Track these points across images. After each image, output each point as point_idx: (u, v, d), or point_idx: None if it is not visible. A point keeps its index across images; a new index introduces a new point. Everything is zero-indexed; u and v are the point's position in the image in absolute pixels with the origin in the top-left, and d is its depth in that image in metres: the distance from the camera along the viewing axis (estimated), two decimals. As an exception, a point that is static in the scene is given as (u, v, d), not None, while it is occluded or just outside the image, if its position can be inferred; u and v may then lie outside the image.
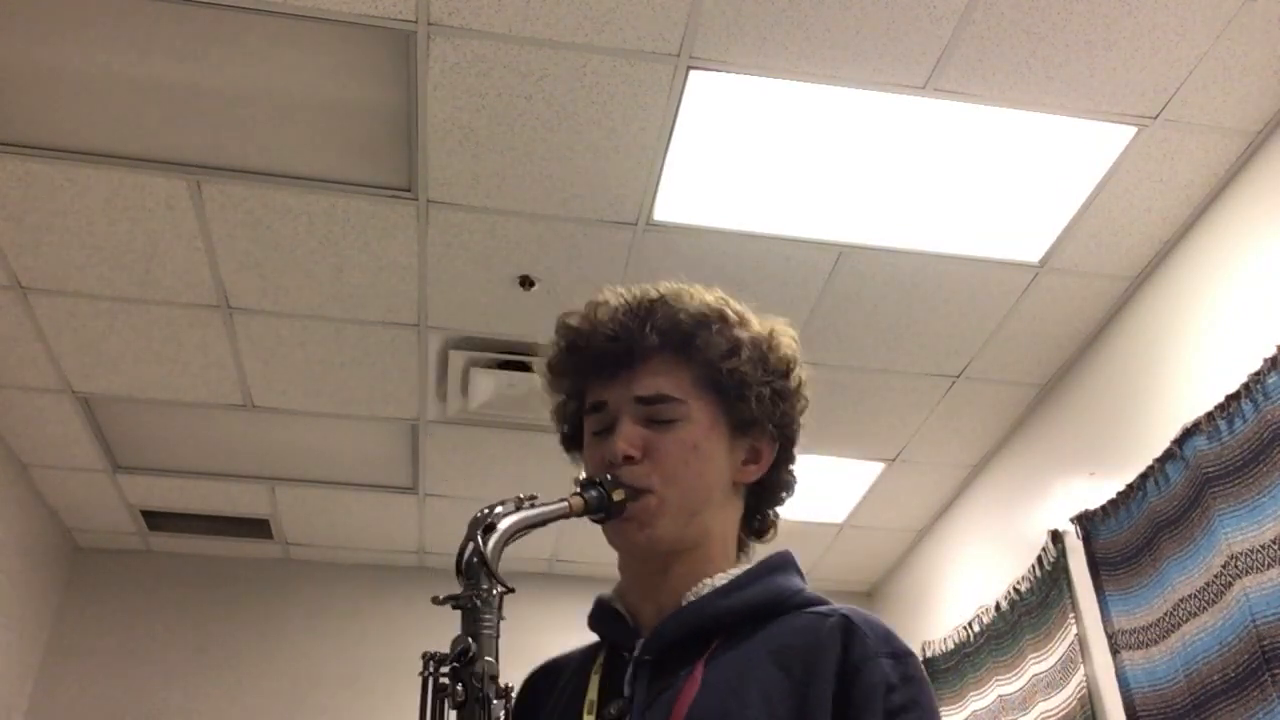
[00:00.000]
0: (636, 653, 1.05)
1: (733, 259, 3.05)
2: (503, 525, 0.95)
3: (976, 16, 2.38)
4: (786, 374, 1.14)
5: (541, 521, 0.98)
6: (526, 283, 3.14)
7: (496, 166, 2.76)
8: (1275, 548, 2.41)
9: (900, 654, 1.02)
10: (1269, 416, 2.46)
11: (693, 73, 2.50)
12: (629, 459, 1.05)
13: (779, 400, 1.12)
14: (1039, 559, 3.49)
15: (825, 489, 4.21)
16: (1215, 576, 2.59)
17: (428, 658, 0.91)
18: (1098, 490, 3.21)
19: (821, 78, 2.52)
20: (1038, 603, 3.48)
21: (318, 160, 2.76)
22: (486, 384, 3.46)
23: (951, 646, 4.08)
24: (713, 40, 2.42)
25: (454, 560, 0.95)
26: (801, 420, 1.17)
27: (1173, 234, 2.99)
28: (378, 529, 4.53)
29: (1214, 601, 2.59)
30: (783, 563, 1.15)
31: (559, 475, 1.26)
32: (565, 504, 1.00)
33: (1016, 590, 3.62)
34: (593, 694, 1.06)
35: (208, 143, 2.70)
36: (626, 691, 1.03)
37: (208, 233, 2.96)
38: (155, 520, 4.42)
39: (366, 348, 3.42)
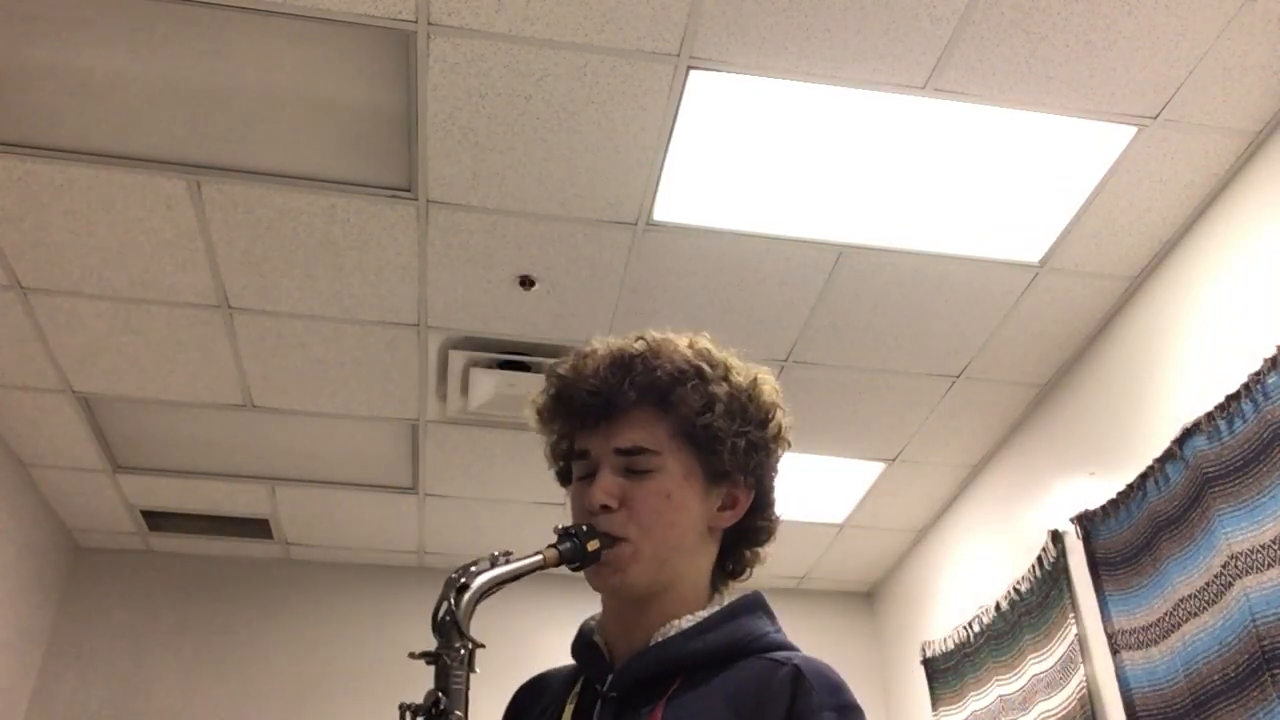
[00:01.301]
0: (605, 688, 1.13)
1: (733, 259, 3.06)
2: (475, 584, 1.01)
3: (976, 16, 2.38)
4: (764, 423, 1.19)
5: (516, 576, 1.04)
6: (526, 283, 3.14)
7: (496, 166, 2.76)
8: (1275, 548, 2.41)
9: (845, 708, 1.06)
10: (1269, 416, 2.46)
11: (693, 73, 2.50)
12: (606, 508, 1.12)
13: (753, 451, 1.18)
14: (1039, 559, 3.49)
15: (825, 489, 4.21)
16: (1215, 576, 2.59)
17: (404, 709, 0.98)
18: (1098, 490, 3.21)
19: (821, 78, 2.52)
20: (1038, 603, 3.48)
21: (318, 160, 2.76)
22: (486, 384, 3.46)
23: (951, 646, 4.08)
24: (713, 40, 2.42)
25: (443, 586, 1.02)
26: (779, 466, 1.23)
27: (1173, 234, 2.99)
28: (378, 529, 4.53)
29: (1214, 601, 2.59)
30: (750, 606, 1.19)
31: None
32: (540, 557, 1.06)
33: (1016, 590, 3.62)
34: None
35: (208, 143, 2.70)
36: None
37: (208, 233, 2.96)
38: (155, 520, 4.42)
39: (366, 348, 3.42)
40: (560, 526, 1.11)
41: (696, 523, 1.16)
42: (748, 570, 1.24)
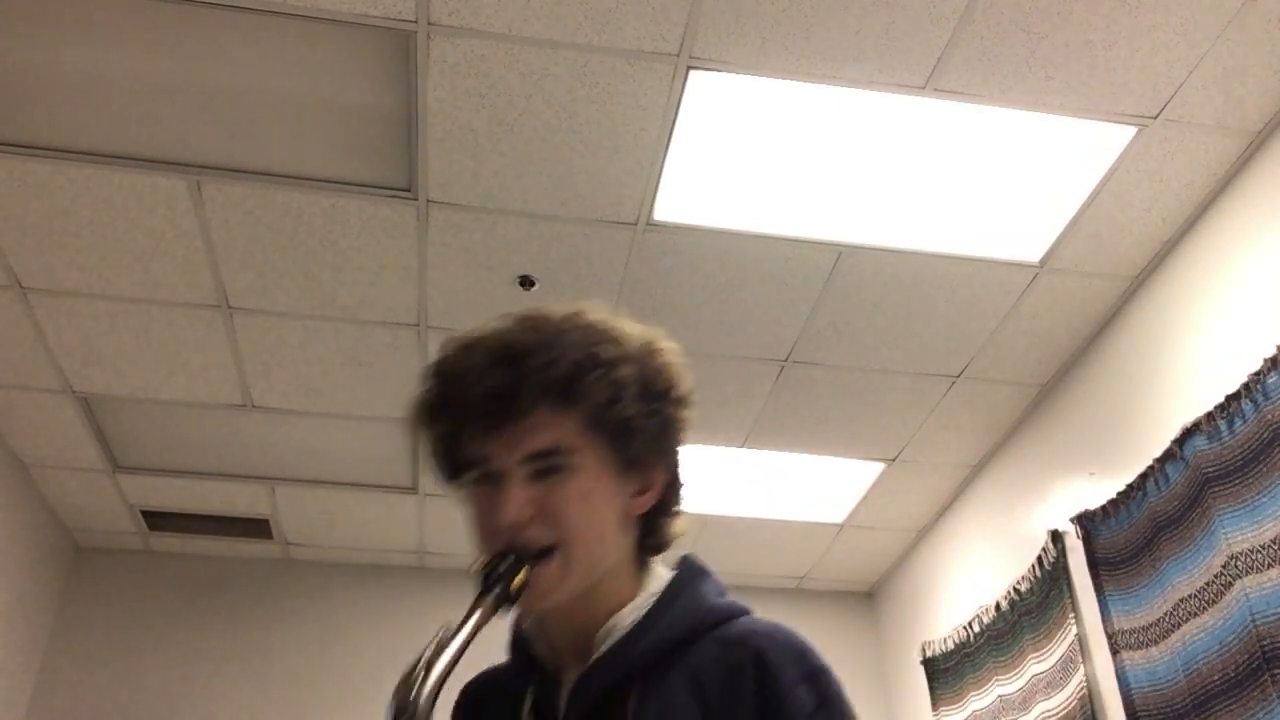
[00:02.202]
0: (563, 710, 1.07)
1: (733, 259, 3.06)
2: (428, 688, 0.90)
3: (976, 16, 2.38)
4: (669, 394, 1.10)
5: (465, 648, 0.95)
6: (526, 283, 3.14)
7: (496, 166, 2.76)
8: (1275, 548, 2.41)
9: (813, 673, 1.04)
10: (1269, 416, 2.46)
11: (693, 73, 2.50)
12: (521, 523, 1.02)
13: (666, 428, 1.10)
14: (1039, 559, 3.49)
15: (825, 489, 4.21)
16: (1215, 576, 2.59)
17: None
18: (1098, 490, 3.21)
19: (821, 78, 2.52)
20: (1038, 603, 3.48)
21: (318, 160, 2.76)
22: (486, 384, 3.45)
23: (951, 646, 4.08)
24: (713, 40, 2.42)
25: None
26: (686, 427, 1.14)
27: (1173, 234, 2.99)
28: (378, 529, 4.53)
29: (1214, 601, 2.59)
30: (686, 579, 1.14)
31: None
32: (479, 615, 0.97)
33: (1016, 590, 3.62)
34: None
35: (208, 143, 2.70)
36: None
37: (208, 233, 2.96)
38: (155, 520, 4.42)
39: (366, 348, 3.42)
40: (480, 567, 1.01)
41: (615, 515, 1.08)
42: (670, 541, 1.17)
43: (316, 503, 4.33)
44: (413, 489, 4.23)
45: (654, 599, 1.11)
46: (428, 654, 0.92)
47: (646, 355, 1.09)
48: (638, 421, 1.06)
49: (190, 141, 2.69)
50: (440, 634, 0.94)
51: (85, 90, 2.55)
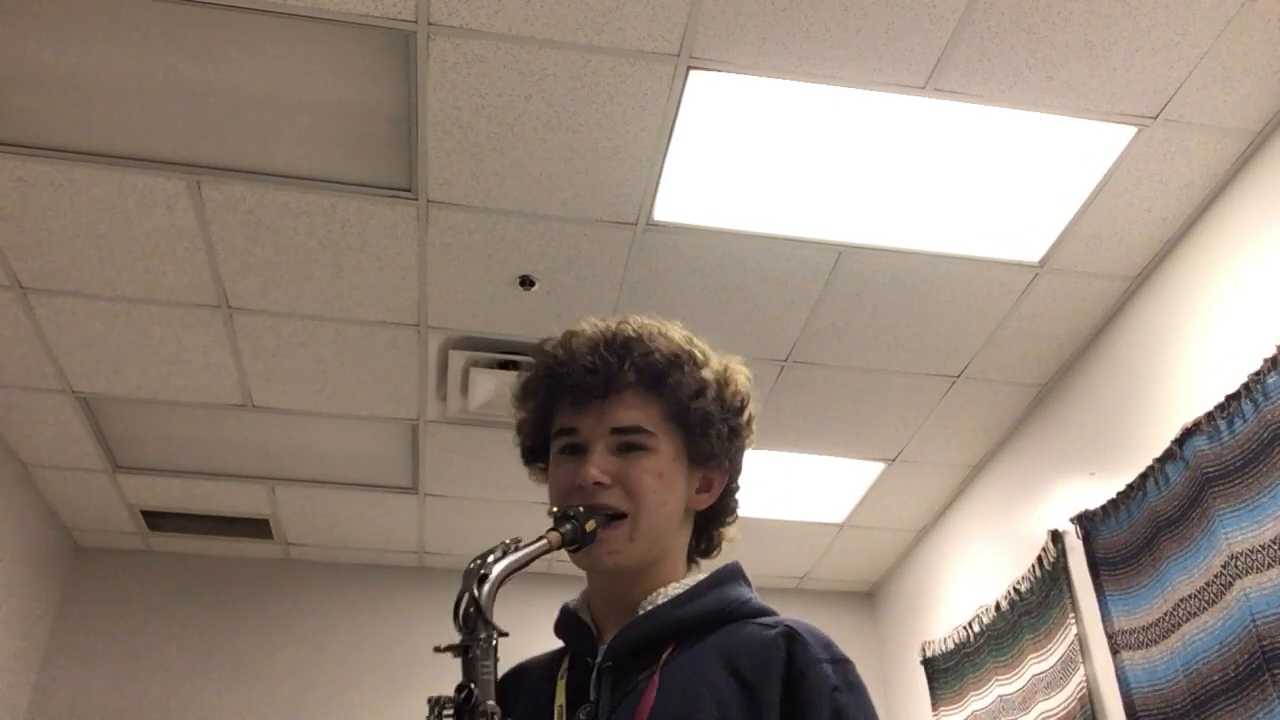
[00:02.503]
0: (599, 659, 1.16)
1: (733, 259, 3.06)
2: (495, 572, 1.01)
3: (976, 16, 2.38)
4: (740, 411, 1.25)
5: (527, 561, 1.05)
6: (526, 283, 3.14)
7: (496, 166, 2.76)
8: (1275, 548, 2.41)
9: (840, 659, 1.12)
10: (1269, 416, 2.46)
11: (693, 73, 2.50)
12: (599, 484, 1.15)
13: (734, 437, 1.23)
14: (1039, 559, 3.49)
15: (825, 489, 4.21)
16: (1215, 576, 2.59)
17: (433, 702, 0.98)
18: (1098, 490, 3.21)
19: (821, 78, 2.52)
20: (1038, 603, 3.48)
21: (318, 160, 2.76)
22: (486, 384, 3.46)
23: (951, 646, 4.08)
24: (713, 40, 2.42)
25: (452, 604, 1.01)
26: (748, 447, 1.27)
27: (1173, 234, 2.99)
28: (378, 529, 4.53)
29: (1214, 601, 2.59)
30: (731, 574, 1.24)
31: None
32: (545, 541, 1.07)
33: (1016, 590, 3.62)
34: (561, 699, 1.17)
35: (208, 143, 2.70)
36: (592, 696, 1.14)
37: (208, 233, 2.96)
38: (155, 520, 4.42)
39: (366, 348, 3.42)
40: (555, 509, 1.13)
41: (681, 504, 1.21)
42: (718, 549, 1.30)
43: (316, 503, 4.33)
44: (413, 489, 4.23)
45: (699, 580, 1.22)
46: (494, 554, 1.03)
47: (726, 373, 1.24)
48: (713, 420, 1.20)
49: (190, 141, 2.69)
50: (507, 542, 1.04)
51: (85, 90, 2.55)
